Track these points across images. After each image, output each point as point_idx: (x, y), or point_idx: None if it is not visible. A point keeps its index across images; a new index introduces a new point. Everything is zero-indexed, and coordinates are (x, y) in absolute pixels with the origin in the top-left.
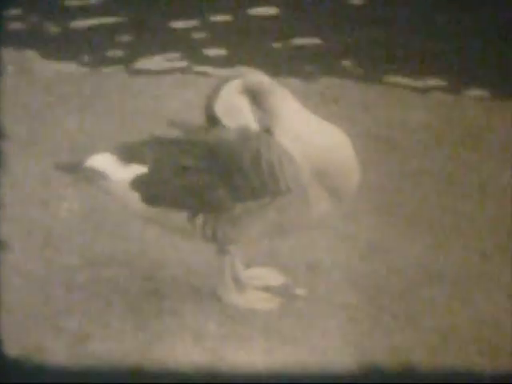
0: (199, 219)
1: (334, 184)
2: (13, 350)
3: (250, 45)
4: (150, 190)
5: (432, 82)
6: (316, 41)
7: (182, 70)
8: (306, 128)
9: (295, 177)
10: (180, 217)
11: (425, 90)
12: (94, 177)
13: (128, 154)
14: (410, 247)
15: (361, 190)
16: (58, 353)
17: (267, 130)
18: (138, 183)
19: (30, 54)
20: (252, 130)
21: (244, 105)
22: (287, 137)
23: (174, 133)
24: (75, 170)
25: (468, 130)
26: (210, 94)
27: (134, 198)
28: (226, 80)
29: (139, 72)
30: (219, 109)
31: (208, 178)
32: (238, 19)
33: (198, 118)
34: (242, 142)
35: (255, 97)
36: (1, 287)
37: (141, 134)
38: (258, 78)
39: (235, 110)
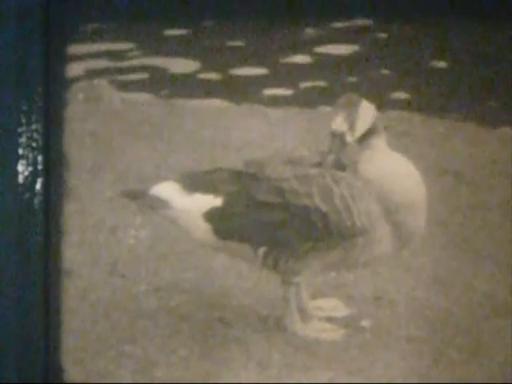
0: (262, 250)
1: (402, 223)
2: (77, 377)
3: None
4: (223, 222)
5: (499, 115)
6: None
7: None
8: (385, 166)
9: (366, 212)
10: (244, 246)
11: (492, 125)
12: (159, 205)
13: (193, 183)
14: (475, 280)
15: (427, 223)
16: (122, 380)
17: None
18: (211, 215)
19: (101, 83)
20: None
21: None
22: (361, 173)
23: (248, 167)
24: (140, 197)
25: None
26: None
27: (202, 229)
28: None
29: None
30: None
31: (282, 215)
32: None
33: (266, 148)
34: (308, 179)
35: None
36: (66, 313)
37: (207, 164)
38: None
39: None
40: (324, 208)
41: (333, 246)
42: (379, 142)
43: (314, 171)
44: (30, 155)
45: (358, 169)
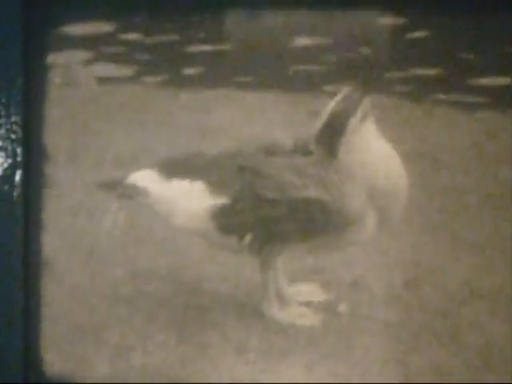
0: (248, 237)
1: (384, 208)
2: (55, 364)
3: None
4: (228, 219)
5: (478, 99)
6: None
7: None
8: (370, 152)
9: (358, 197)
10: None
11: (471, 108)
12: (136, 193)
13: (172, 169)
14: (452, 265)
15: (405, 208)
16: (100, 365)
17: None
18: (216, 212)
19: (77, 66)
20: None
21: None
22: (349, 159)
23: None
24: (117, 186)
25: None
26: None
27: (185, 215)
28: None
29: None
30: None
31: (283, 210)
32: None
33: (245, 133)
34: (299, 170)
35: None
36: (45, 301)
37: (186, 149)
38: None
39: None
40: (322, 197)
41: (325, 231)
42: (368, 128)
43: (302, 161)
44: (10, 147)
45: (346, 154)
